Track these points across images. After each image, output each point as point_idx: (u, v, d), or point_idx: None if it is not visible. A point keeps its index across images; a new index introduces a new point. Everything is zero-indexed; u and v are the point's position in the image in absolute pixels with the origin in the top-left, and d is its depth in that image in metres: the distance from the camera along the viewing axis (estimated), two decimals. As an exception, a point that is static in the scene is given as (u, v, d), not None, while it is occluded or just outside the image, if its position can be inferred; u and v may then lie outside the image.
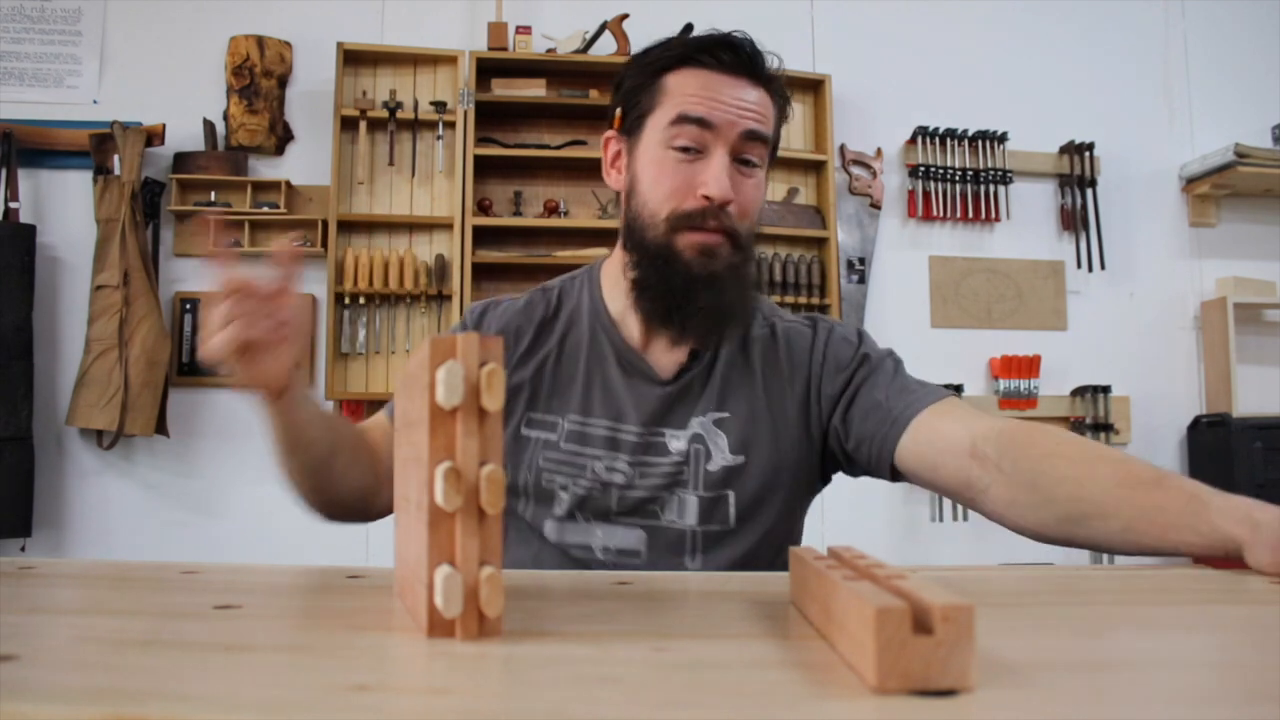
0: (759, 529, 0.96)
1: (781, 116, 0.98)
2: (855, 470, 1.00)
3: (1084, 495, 0.76)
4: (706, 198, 0.91)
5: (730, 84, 0.93)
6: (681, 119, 0.92)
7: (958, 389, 3.09)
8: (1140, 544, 0.73)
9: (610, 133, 1.01)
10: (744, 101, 0.93)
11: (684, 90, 0.93)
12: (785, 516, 0.98)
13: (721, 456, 0.95)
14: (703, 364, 0.98)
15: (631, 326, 0.99)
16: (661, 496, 0.95)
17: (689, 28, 2.44)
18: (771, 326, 1.02)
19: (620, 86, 0.99)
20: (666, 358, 0.99)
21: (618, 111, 0.99)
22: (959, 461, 0.86)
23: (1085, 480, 0.77)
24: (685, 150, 0.92)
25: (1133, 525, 0.73)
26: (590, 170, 2.91)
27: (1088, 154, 3.29)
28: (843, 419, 0.96)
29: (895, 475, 0.94)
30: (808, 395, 0.99)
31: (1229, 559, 0.66)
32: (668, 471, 0.95)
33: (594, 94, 2.93)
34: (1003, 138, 3.24)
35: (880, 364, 0.97)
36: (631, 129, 0.97)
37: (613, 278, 1.01)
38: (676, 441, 0.96)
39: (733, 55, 0.93)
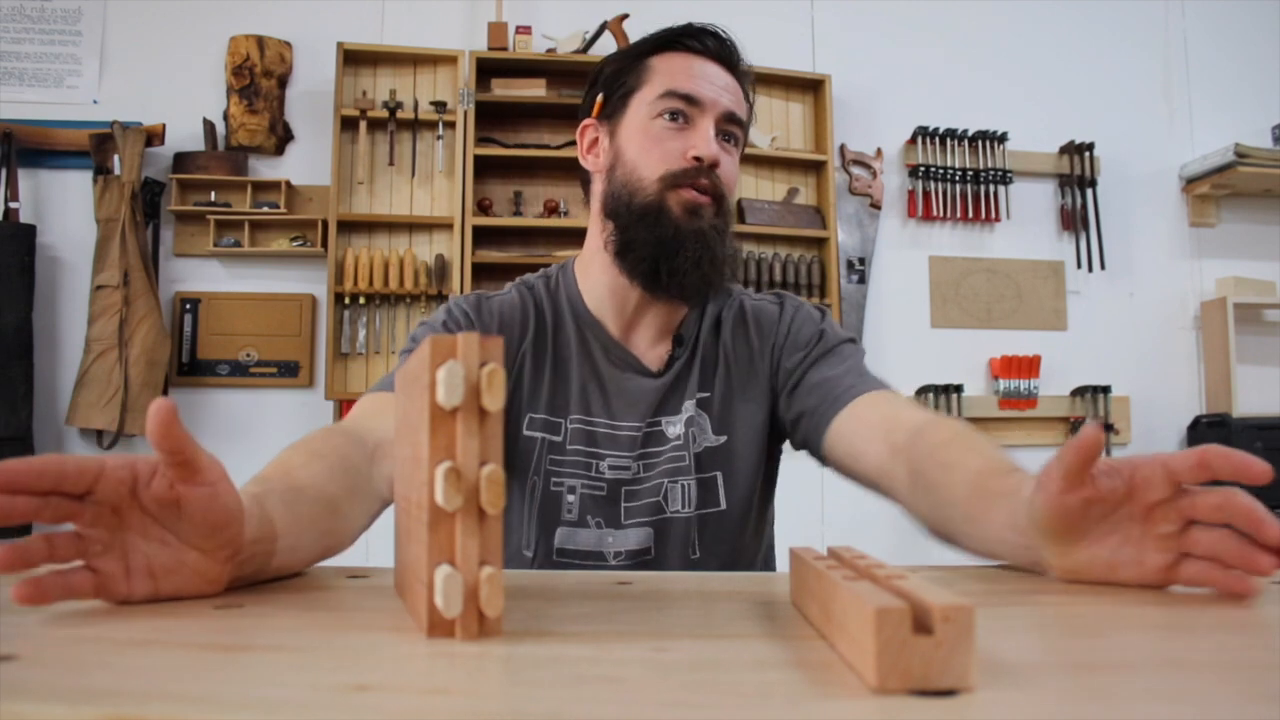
0: (745, 507, 0.98)
1: (750, 112, 1.02)
2: (795, 446, 0.99)
3: (950, 481, 0.70)
4: (696, 159, 0.93)
5: (712, 67, 0.98)
6: (670, 94, 0.95)
7: (958, 389, 3.09)
8: (971, 534, 0.67)
9: (589, 120, 1.03)
10: (725, 84, 0.98)
11: (670, 70, 0.97)
12: (764, 493, 1.02)
13: (706, 438, 0.98)
14: (686, 349, 1.00)
15: (612, 321, 1.00)
16: (665, 486, 0.96)
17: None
18: (740, 304, 1.04)
19: (600, 76, 1.02)
20: (652, 352, 1.00)
21: (598, 98, 1.01)
22: (876, 448, 0.83)
23: (956, 466, 0.70)
24: (674, 118, 0.95)
25: (972, 515, 0.67)
26: (590, 170, 2.91)
27: (1088, 154, 3.29)
28: (790, 393, 0.98)
29: (824, 460, 0.92)
30: (773, 369, 1.00)
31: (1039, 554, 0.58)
32: (670, 458, 0.97)
33: (594, 94, 2.93)
34: (1003, 138, 3.23)
35: (838, 347, 0.98)
36: (614, 111, 0.99)
37: (587, 273, 1.01)
38: (673, 427, 0.98)
39: (716, 42, 0.99)
